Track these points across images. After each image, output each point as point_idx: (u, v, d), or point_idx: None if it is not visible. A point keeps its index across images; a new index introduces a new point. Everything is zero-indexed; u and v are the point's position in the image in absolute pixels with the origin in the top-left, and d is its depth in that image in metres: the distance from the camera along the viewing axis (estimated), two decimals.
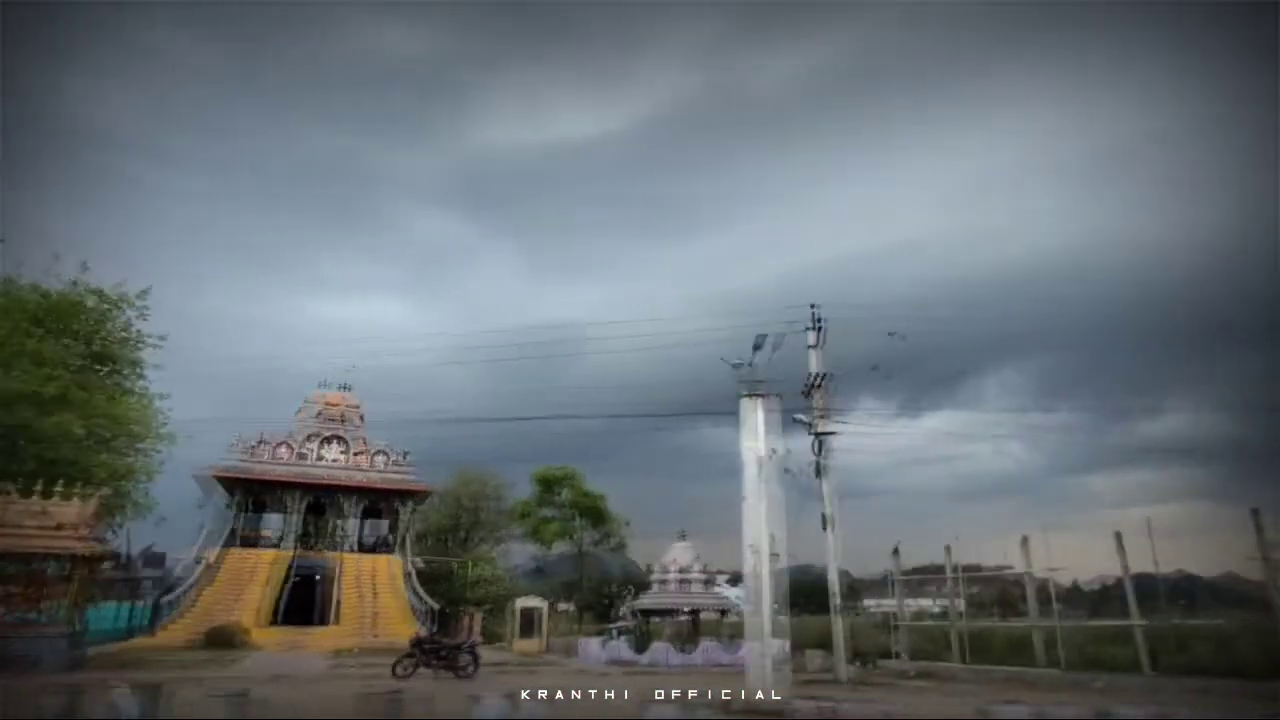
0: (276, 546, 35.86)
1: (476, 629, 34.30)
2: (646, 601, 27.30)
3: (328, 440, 38.23)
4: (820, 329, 20.78)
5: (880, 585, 36.00)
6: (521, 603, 30.52)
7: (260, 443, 36.66)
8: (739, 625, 37.85)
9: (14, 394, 24.47)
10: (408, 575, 35.03)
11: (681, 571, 26.77)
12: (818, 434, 19.81)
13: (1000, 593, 37.71)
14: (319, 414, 39.51)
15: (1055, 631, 19.69)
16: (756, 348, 15.59)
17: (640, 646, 25.34)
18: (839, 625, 18.99)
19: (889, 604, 47.93)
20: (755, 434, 15.33)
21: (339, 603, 32.40)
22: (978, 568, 30.21)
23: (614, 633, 29.08)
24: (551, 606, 52.85)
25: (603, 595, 42.97)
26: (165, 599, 29.81)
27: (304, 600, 33.97)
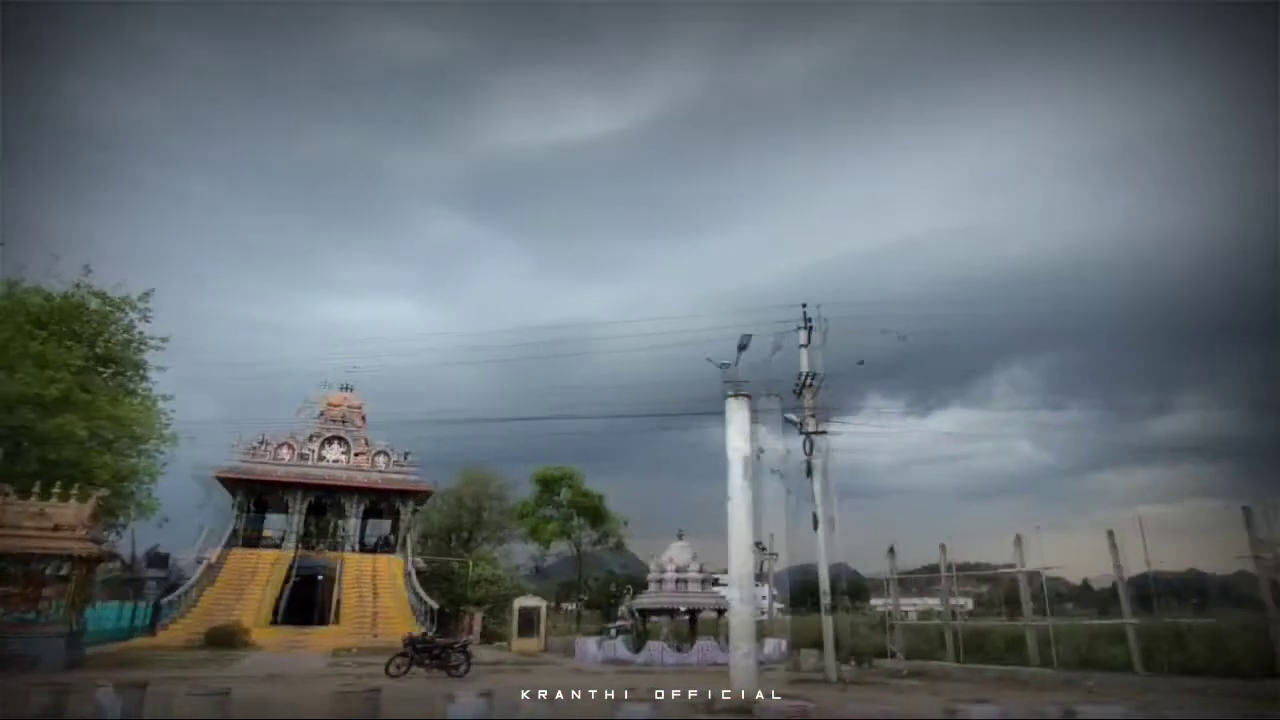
0: (278, 547, 36.14)
1: (477, 628, 34.48)
2: (644, 601, 27.37)
3: (329, 441, 38.47)
4: (811, 329, 20.78)
5: (887, 584, 35.91)
6: (520, 602, 30.62)
7: (262, 443, 36.93)
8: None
9: (16, 396, 24.75)
10: (408, 575, 35.19)
11: (679, 571, 26.82)
12: (809, 434, 19.81)
13: (1008, 591, 37.64)
14: (321, 414, 39.82)
15: (1049, 630, 19.61)
16: (741, 348, 15.63)
17: (638, 646, 25.42)
18: (829, 625, 18.99)
19: (901, 603, 48.03)
20: (741, 434, 15.35)
21: (339, 603, 32.59)
22: (988, 566, 30.12)
23: (613, 632, 29.17)
24: (556, 606, 53.19)
25: (608, 595, 43.13)
26: (165, 599, 30.04)
27: (305, 600, 34.20)
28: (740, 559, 14.73)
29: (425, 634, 19.51)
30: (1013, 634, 22.35)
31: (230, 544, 34.77)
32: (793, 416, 20.12)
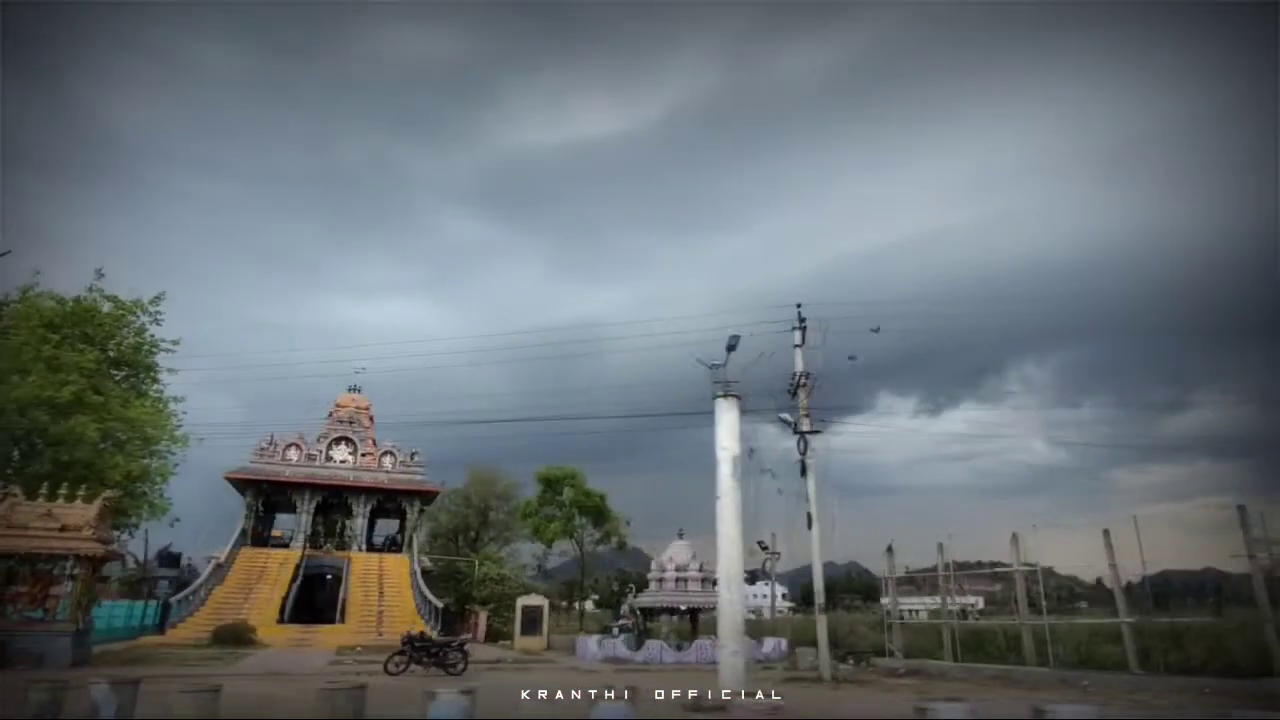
0: (286, 546, 36.59)
1: (482, 627, 34.78)
2: (645, 600, 27.52)
3: (337, 441, 38.89)
4: (805, 329, 20.83)
5: (904, 582, 35.82)
6: (524, 601, 30.85)
7: (270, 444, 37.38)
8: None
9: (30, 399, 25.25)
10: (414, 575, 35.52)
11: (679, 570, 26.95)
12: (803, 433, 19.87)
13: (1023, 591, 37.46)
14: (329, 415, 40.29)
15: (1045, 629, 19.58)
16: (730, 349, 15.72)
17: (638, 645, 25.55)
18: (823, 624, 19.05)
19: (908, 601, 47.73)
20: (730, 434, 15.45)
21: (345, 601, 32.97)
22: (992, 564, 30.04)
23: (615, 631, 29.32)
24: (568, 605, 53.42)
25: (616, 593, 43.28)
26: (174, 598, 30.51)
27: (314, 599, 34.64)
28: (729, 558, 14.81)
29: (423, 633, 19.72)
30: (1014, 633, 22.29)
31: (239, 543, 35.22)
32: (787, 416, 20.18)
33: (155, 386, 32.54)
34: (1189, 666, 17.84)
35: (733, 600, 14.65)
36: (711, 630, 28.36)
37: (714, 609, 28.04)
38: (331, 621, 32.38)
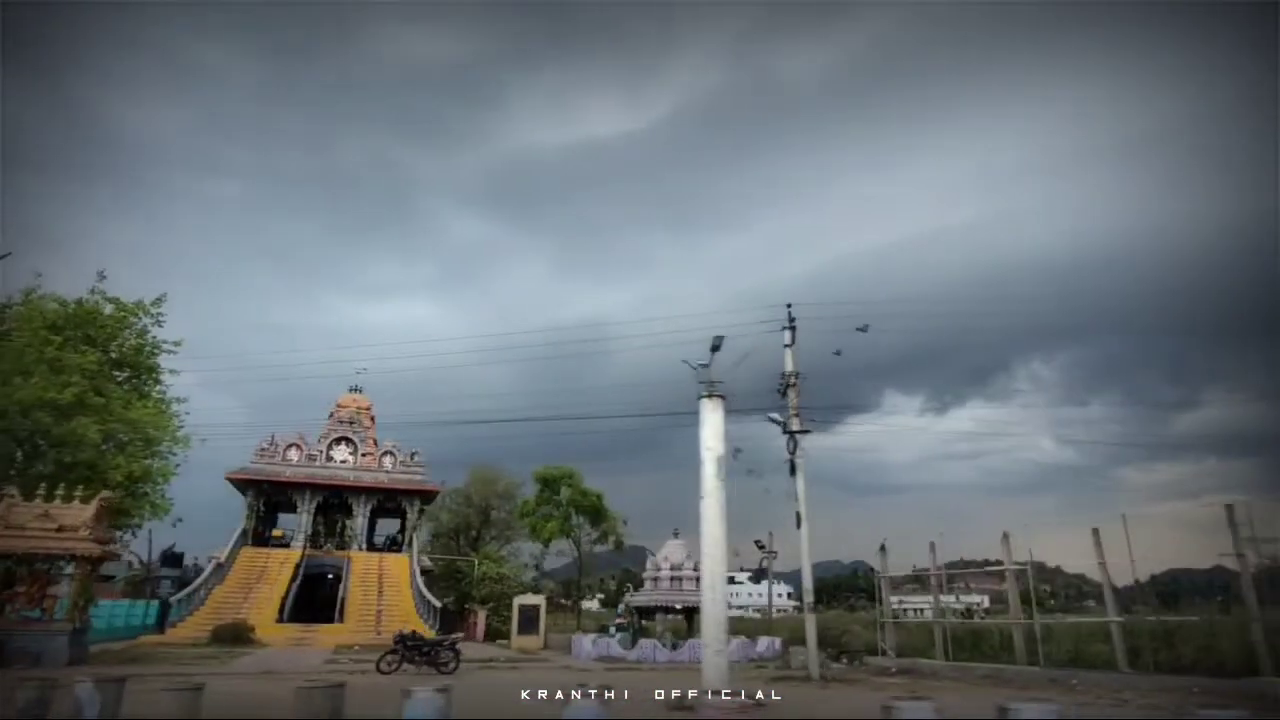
0: (287, 546, 36.85)
1: (481, 626, 34.96)
2: (640, 599, 27.62)
3: (337, 441, 39.15)
4: (795, 329, 20.87)
5: (910, 581, 35.82)
6: (520, 600, 31.01)
7: (271, 444, 37.65)
8: (735, 622, 38.00)
9: (32, 400, 25.53)
10: (413, 574, 35.72)
11: (674, 569, 27.03)
12: (792, 433, 19.92)
13: (1026, 589, 37.32)
14: (331, 415, 40.57)
15: (1035, 628, 19.57)
16: (714, 349, 15.79)
17: (633, 643, 25.66)
18: (811, 623, 19.11)
19: (913, 600, 47.65)
20: (714, 434, 15.52)
21: (344, 601, 33.21)
22: (992, 563, 30.05)
23: (612, 630, 29.43)
24: (573, 604, 53.55)
25: (617, 592, 43.40)
26: (174, 597, 30.77)
27: (314, 598, 34.89)
28: (712, 558, 14.90)
29: (415, 632, 19.89)
30: (1008, 632, 22.28)
31: (240, 543, 35.50)
32: (776, 416, 20.24)
33: (157, 388, 32.84)
34: (1179, 665, 17.79)
35: (716, 600, 14.73)
36: None
37: None
38: (331, 621, 32.61)
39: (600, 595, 76.18)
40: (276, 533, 38.39)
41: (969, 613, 38.26)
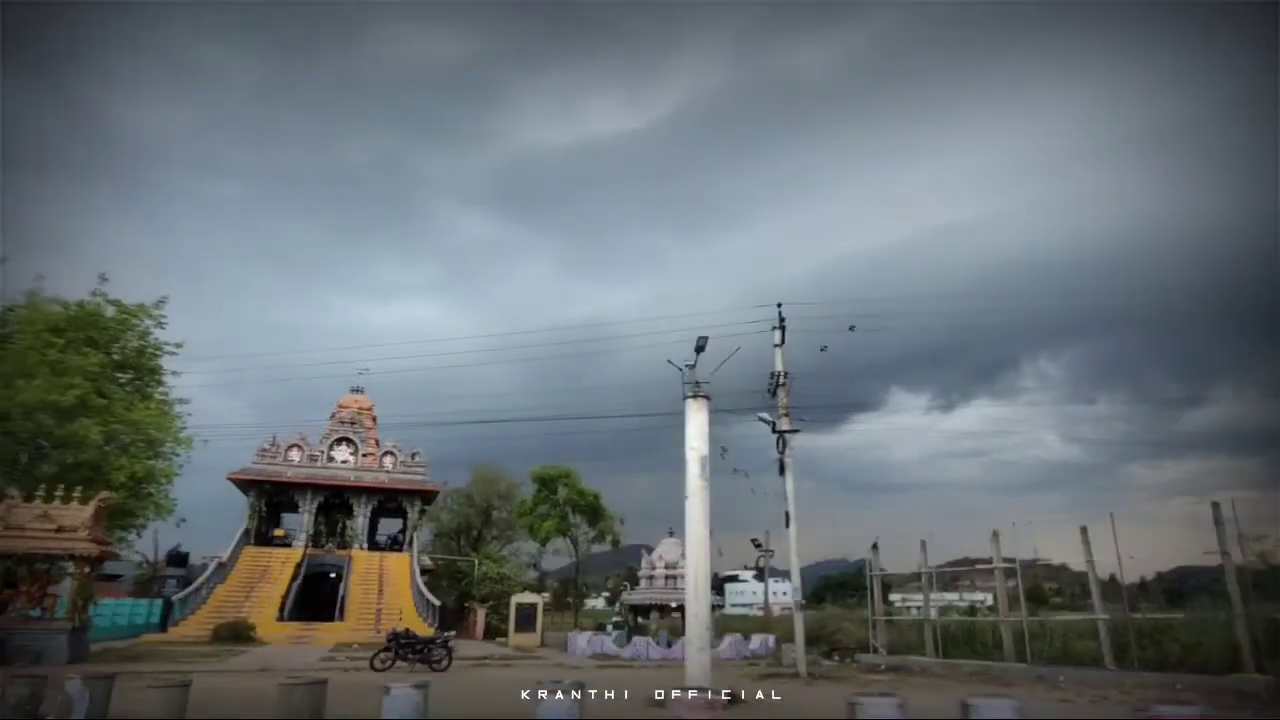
0: (289, 545, 37.19)
1: (480, 624, 35.24)
2: (636, 597, 27.82)
3: (338, 442, 39.46)
4: (784, 328, 20.99)
5: (914, 579, 35.85)
6: (518, 599, 31.27)
7: (272, 445, 38.01)
8: (729, 620, 38.17)
9: (35, 403, 25.88)
10: (413, 573, 36.01)
11: (669, 568, 27.22)
12: (781, 433, 20.05)
13: (1033, 587, 37.32)
14: (332, 416, 40.93)
15: (1023, 626, 19.68)
16: (699, 349, 15.93)
17: (627, 641, 25.85)
18: (799, 620, 19.25)
19: (916, 599, 47.61)
20: (699, 434, 15.68)
21: (344, 599, 33.52)
22: (981, 561, 30.12)
23: (609, 628, 29.64)
24: (577, 602, 53.85)
25: (615, 591, 43.65)
26: (176, 597, 31.13)
27: (316, 597, 35.21)
28: (696, 557, 15.06)
29: (408, 630, 20.14)
30: (1000, 629, 22.37)
31: (243, 543, 35.86)
32: (766, 416, 20.37)
33: (160, 389, 33.20)
34: (1166, 662, 17.88)
35: (700, 598, 14.90)
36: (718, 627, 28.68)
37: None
38: (332, 619, 32.93)
39: (606, 594, 76.53)
40: (279, 532, 38.73)
41: (973, 610, 38.27)
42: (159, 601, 33.10)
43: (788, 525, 19.64)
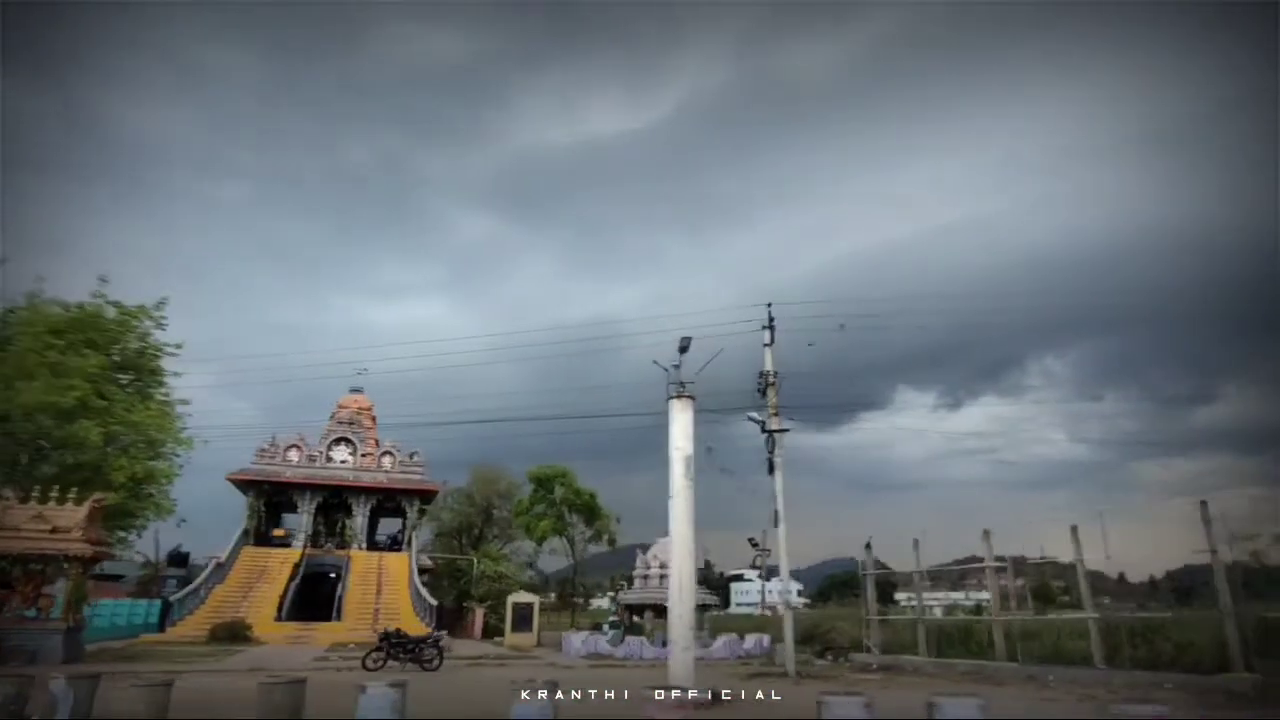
0: (288, 545, 37.36)
1: (479, 624, 35.35)
2: (631, 596, 27.87)
3: (337, 442, 39.62)
4: (774, 328, 21.00)
5: (921, 578, 35.67)
6: (514, 598, 31.34)
7: (272, 445, 38.19)
8: (726, 619, 38.20)
9: (35, 404, 26.08)
10: (411, 572, 36.14)
11: (663, 567, 27.24)
12: (770, 432, 20.05)
13: (1040, 585, 37.29)
14: (332, 416, 41.12)
15: (1014, 625, 19.66)
16: (682, 350, 15.95)
17: (622, 640, 25.91)
18: (788, 619, 19.25)
19: (924, 597, 47.59)
20: (684, 434, 15.69)
21: (340, 599, 33.67)
22: (973, 560, 30.10)
23: (605, 627, 29.70)
24: (584, 601, 54.06)
25: (615, 591, 43.76)
26: (174, 597, 31.30)
27: (315, 597, 35.36)
28: (680, 557, 15.08)
29: (399, 630, 20.22)
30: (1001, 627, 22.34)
31: (241, 543, 36.04)
32: (755, 415, 20.38)
33: (161, 390, 33.38)
34: (1158, 661, 17.84)
35: (684, 598, 14.90)
36: (699, 627, 28.71)
37: (700, 606, 28.43)
38: (330, 619, 33.06)
39: (611, 594, 76.52)
40: (278, 532, 38.90)
41: (979, 610, 38.16)
42: (158, 602, 33.30)
43: (776, 525, 19.65)
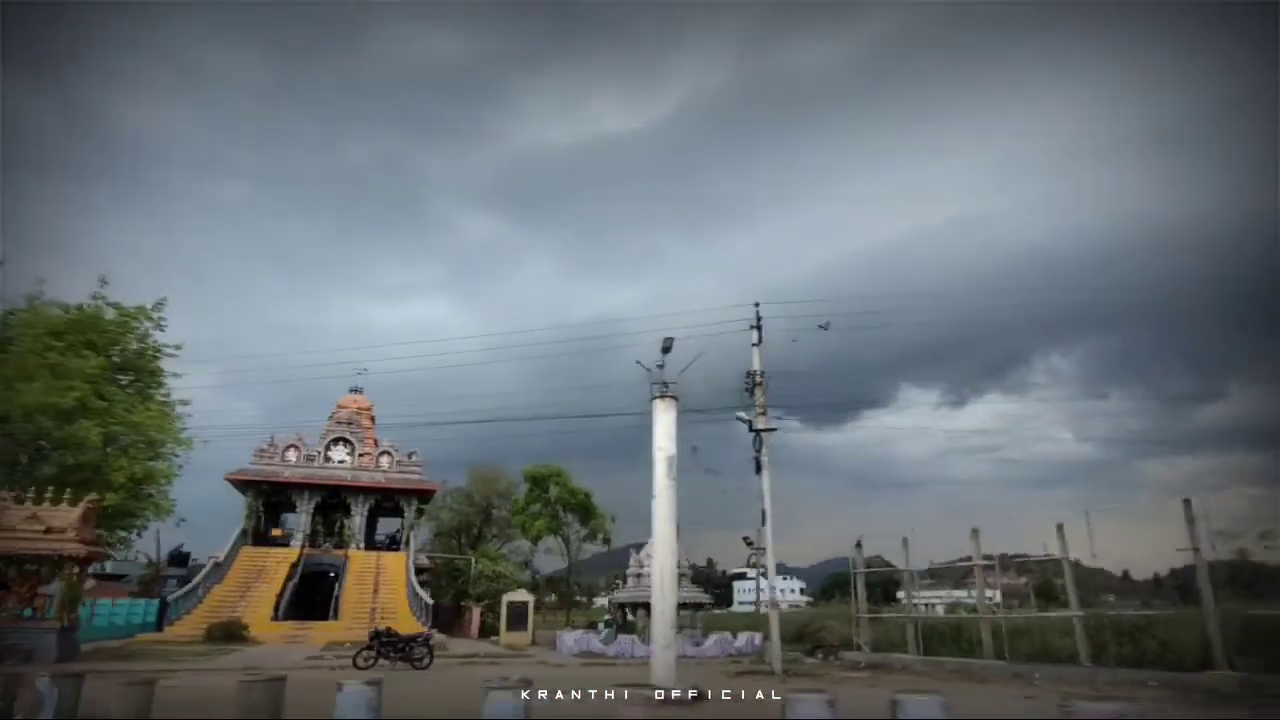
0: (286, 545, 37.58)
1: (476, 623, 35.54)
2: (624, 595, 27.96)
3: (335, 442, 39.82)
4: (761, 328, 21.09)
5: (925, 576, 35.66)
6: (509, 598, 31.50)
7: (270, 445, 38.41)
8: (718, 618, 38.24)
9: (35, 405, 26.31)
10: (409, 572, 36.32)
11: None
12: (758, 431, 20.14)
13: (1043, 583, 37.18)
14: (331, 416, 41.34)
15: (1001, 623, 19.72)
16: (665, 350, 16.06)
17: (614, 639, 26.03)
18: (774, 618, 19.34)
19: (924, 595, 47.61)
20: (666, 434, 15.81)
21: (338, 598, 33.85)
22: (963, 559, 30.09)
23: (600, 626, 29.83)
24: (567, 600, 54.20)
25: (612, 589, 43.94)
26: (172, 596, 31.52)
27: (313, 596, 35.59)
28: (662, 557, 15.22)
29: (389, 629, 20.39)
30: (992, 625, 22.39)
31: (240, 543, 36.26)
32: (743, 415, 20.47)
33: (161, 391, 33.61)
34: (1142, 660, 17.90)
35: (665, 597, 15.05)
36: (691, 626, 28.77)
37: (692, 604, 28.53)
38: (327, 618, 33.25)
39: (611, 593, 76.67)
40: (277, 532, 39.11)
41: (974, 609, 38.13)
42: (155, 601, 33.55)
43: (764, 523, 19.74)
